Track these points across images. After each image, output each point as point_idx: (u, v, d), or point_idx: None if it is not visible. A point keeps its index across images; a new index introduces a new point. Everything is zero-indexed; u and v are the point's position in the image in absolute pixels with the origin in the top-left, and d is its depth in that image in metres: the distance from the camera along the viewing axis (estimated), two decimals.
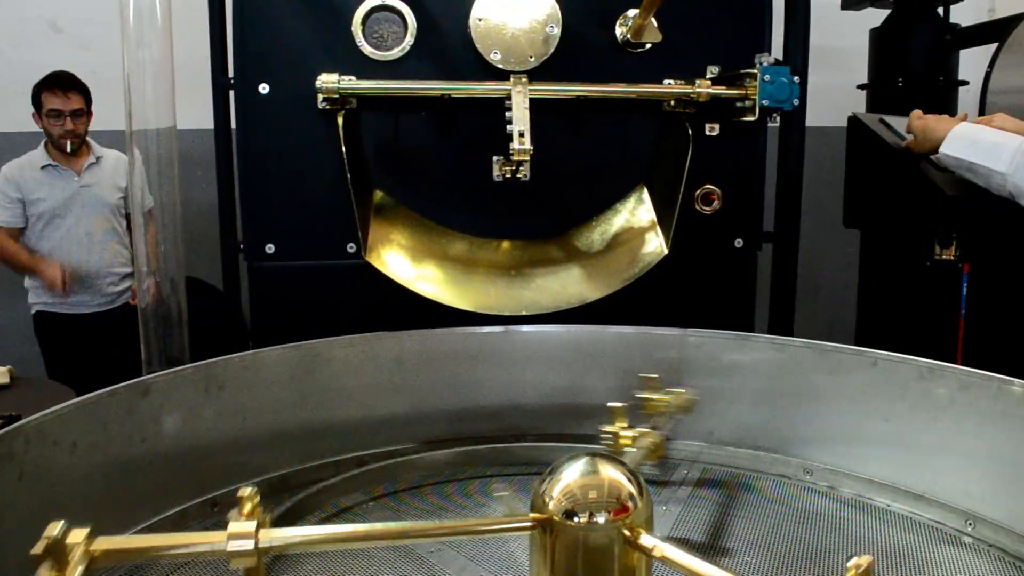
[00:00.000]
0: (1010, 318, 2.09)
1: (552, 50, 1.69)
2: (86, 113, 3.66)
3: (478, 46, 1.66)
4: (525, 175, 1.63)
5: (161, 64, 1.74)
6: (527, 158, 1.59)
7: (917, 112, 1.87)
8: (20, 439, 1.07)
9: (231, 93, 1.75)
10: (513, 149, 1.57)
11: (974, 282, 2.12)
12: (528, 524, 0.87)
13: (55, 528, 0.80)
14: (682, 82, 1.73)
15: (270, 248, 1.70)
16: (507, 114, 1.55)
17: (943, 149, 1.76)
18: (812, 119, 1.89)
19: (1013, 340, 2.10)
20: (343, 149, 1.62)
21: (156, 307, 1.79)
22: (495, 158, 1.63)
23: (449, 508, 1.34)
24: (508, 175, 1.63)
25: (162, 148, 1.77)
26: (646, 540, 0.88)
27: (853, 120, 1.98)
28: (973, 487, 1.34)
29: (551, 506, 0.86)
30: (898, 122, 1.93)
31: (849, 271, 2.94)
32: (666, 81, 1.74)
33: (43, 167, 3.66)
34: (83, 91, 3.64)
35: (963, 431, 1.36)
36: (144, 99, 1.74)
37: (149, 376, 1.33)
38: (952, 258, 1.86)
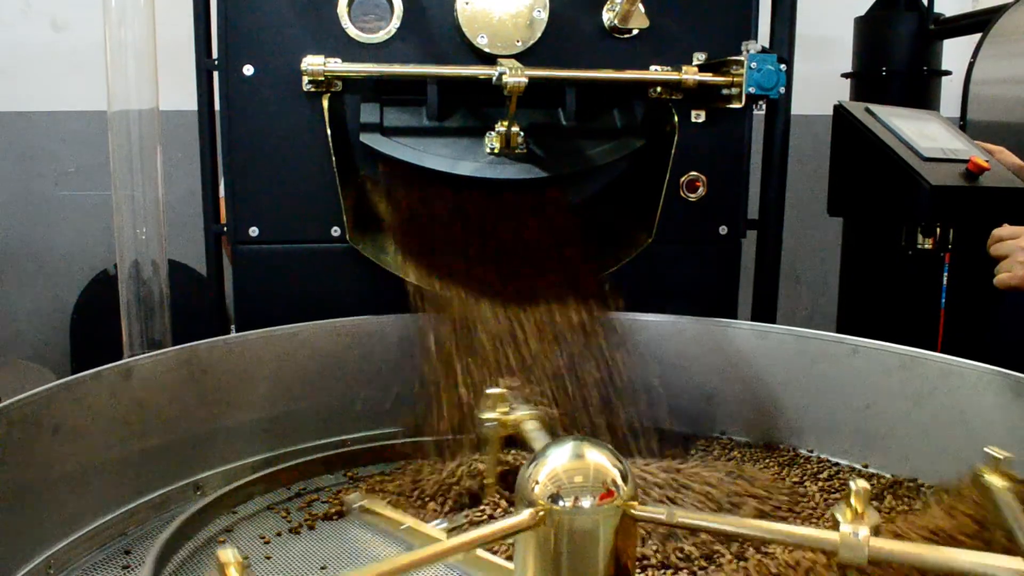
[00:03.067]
0: (990, 307, 2.11)
1: (539, 35, 1.68)
2: None
3: (464, 30, 1.65)
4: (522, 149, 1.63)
5: (143, 44, 1.72)
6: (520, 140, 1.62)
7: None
8: (1, 422, 1.06)
9: (215, 74, 1.74)
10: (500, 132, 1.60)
11: (955, 271, 2.14)
12: (529, 521, 0.86)
13: None
14: (669, 68, 1.73)
15: (254, 231, 1.69)
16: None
17: None
18: (795, 107, 1.89)
19: (992, 329, 2.12)
20: (328, 132, 1.61)
21: (137, 290, 1.78)
22: (489, 133, 1.63)
23: None
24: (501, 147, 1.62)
25: (144, 129, 1.75)
26: (649, 510, 0.91)
27: (839, 109, 1.98)
28: (953, 474, 1.35)
29: (547, 498, 0.87)
30: (884, 111, 1.94)
31: (831, 260, 2.96)
32: (653, 67, 1.73)
33: None
34: None
35: (944, 419, 1.37)
36: (126, 80, 1.72)
37: (131, 359, 1.33)
38: (934, 247, 1.87)
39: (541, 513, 0.86)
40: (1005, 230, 1.57)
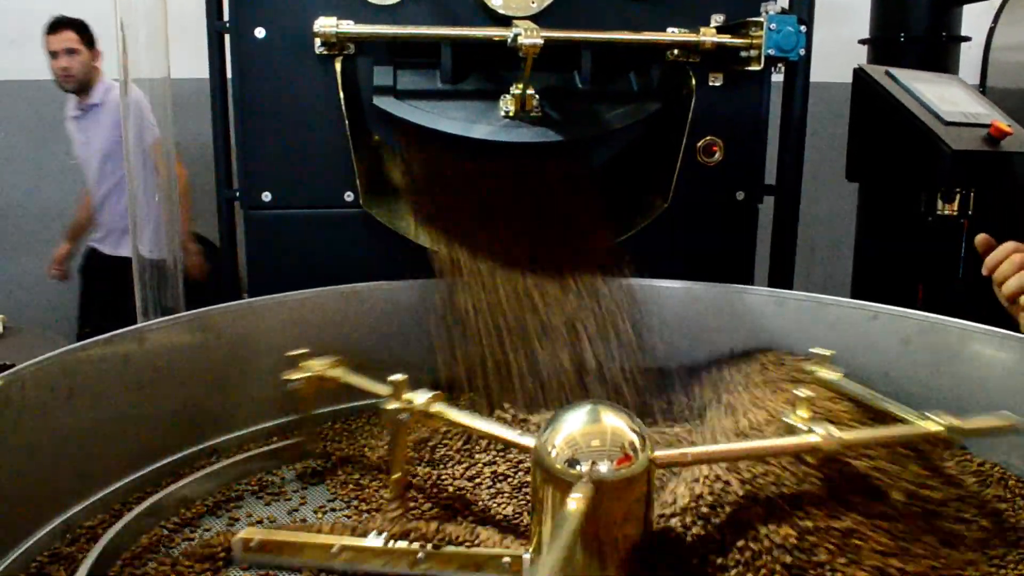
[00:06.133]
0: None
1: None
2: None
3: None
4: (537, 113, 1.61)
5: (154, 12, 1.70)
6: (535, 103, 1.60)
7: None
8: (17, 386, 1.06)
9: (227, 39, 1.72)
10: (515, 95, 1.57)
11: (974, 238, 2.11)
12: (582, 500, 0.85)
13: None
14: (686, 30, 1.70)
15: (267, 196, 1.68)
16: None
17: None
18: (812, 74, 1.86)
19: None
20: (341, 95, 1.59)
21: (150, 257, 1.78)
22: (503, 96, 1.61)
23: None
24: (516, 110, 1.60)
25: (156, 97, 1.74)
26: (669, 453, 0.95)
27: (859, 72, 1.96)
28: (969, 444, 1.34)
29: (583, 467, 0.88)
30: (905, 75, 1.91)
31: (844, 229, 2.93)
32: (670, 29, 1.71)
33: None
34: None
35: (966, 385, 1.36)
36: (137, 48, 1.71)
37: (145, 324, 1.32)
38: (956, 213, 1.85)
39: (588, 488, 0.86)
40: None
